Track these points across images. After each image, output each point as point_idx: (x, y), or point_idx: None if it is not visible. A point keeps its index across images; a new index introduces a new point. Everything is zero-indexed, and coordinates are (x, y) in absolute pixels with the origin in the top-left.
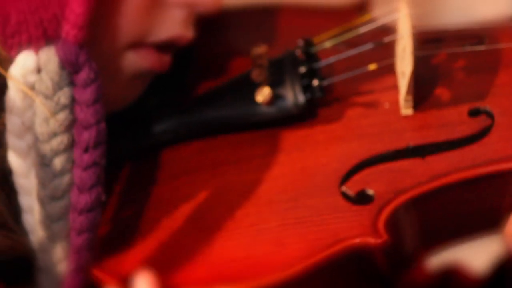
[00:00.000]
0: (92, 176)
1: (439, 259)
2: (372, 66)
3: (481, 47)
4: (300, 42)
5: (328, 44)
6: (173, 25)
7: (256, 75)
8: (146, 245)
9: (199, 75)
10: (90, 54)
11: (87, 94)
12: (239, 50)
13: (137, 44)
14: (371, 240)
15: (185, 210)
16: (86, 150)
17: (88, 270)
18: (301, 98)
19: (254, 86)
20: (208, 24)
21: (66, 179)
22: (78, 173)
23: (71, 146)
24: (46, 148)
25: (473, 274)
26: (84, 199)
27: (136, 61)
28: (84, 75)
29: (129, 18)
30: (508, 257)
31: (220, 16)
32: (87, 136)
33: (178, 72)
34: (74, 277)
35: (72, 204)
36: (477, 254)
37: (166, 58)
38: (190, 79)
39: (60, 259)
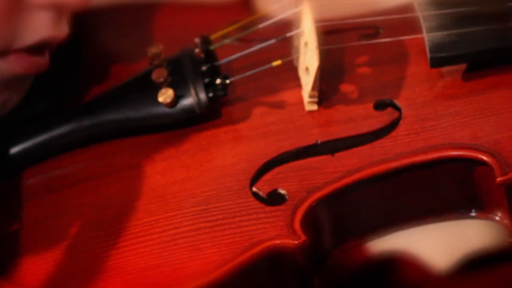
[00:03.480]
0: None
1: (382, 244)
2: (276, 63)
3: (379, 40)
4: (197, 40)
5: (227, 41)
6: (42, 27)
7: (156, 76)
8: (54, 256)
9: (89, 77)
10: None
11: None
12: (127, 50)
13: (5, 52)
14: (289, 242)
15: (89, 218)
16: None
17: None
18: (204, 97)
19: (155, 87)
20: (92, 24)
21: None
22: None
23: None
24: None
25: (421, 263)
26: None
27: (7, 68)
28: None
29: None
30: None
31: (103, 15)
32: None
33: (67, 73)
34: None
35: None
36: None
37: (41, 60)
38: (81, 82)
39: None
